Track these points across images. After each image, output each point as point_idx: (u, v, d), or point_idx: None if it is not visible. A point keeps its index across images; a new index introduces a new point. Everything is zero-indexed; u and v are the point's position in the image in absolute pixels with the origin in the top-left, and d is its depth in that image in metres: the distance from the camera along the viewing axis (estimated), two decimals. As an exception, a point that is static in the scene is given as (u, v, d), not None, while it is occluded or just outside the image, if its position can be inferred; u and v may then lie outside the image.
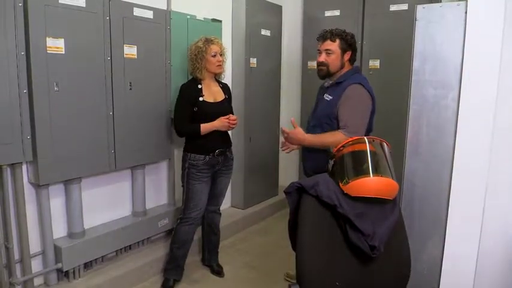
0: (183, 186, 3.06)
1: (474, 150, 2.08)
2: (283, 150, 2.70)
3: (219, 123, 2.94)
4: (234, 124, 2.97)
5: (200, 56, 2.93)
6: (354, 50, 2.57)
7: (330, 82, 2.60)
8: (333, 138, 2.35)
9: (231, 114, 2.98)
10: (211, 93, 3.02)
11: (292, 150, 2.68)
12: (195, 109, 2.93)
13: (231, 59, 4.27)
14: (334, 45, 2.50)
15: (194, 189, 3.00)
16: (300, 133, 2.48)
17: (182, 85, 3.02)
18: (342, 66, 2.54)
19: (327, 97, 2.55)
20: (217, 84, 3.11)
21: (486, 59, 2.00)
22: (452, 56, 2.11)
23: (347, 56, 2.53)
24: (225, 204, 4.33)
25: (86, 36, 2.70)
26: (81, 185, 2.92)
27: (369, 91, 2.45)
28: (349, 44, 2.52)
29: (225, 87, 3.16)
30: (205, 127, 2.91)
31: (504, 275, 2.13)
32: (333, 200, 1.79)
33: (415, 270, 1.92)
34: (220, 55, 2.99)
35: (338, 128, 2.44)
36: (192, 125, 2.93)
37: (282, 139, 2.67)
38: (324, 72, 2.57)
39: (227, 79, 4.09)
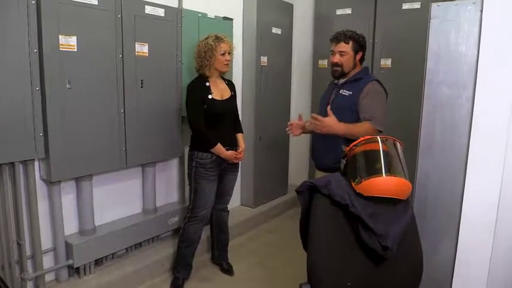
0: (190, 185, 3.07)
1: (488, 151, 2.04)
2: (289, 131, 2.87)
3: (227, 155, 2.99)
4: (240, 158, 3.13)
5: (209, 54, 2.92)
6: (365, 51, 2.73)
7: (344, 79, 2.71)
8: (363, 128, 2.47)
9: (241, 152, 3.13)
10: (218, 91, 3.02)
11: (297, 135, 2.87)
12: (205, 106, 2.93)
13: (241, 57, 4.27)
14: (348, 47, 2.64)
15: (202, 188, 3.00)
16: (333, 121, 2.48)
17: (190, 83, 3.01)
18: (354, 66, 2.69)
19: (345, 92, 2.66)
20: (223, 81, 3.11)
21: (502, 58, 1.96)
22: (467, 55, 2.07)
23: (359, 56, 2.68)
24: (235, 202, 4.34)
25: (98, 34, 2.71)
26: (92, 182, 2.94)
27: (384, 88, 2.65)
28: (360, 45, 2.67)
29: (230, 84, 3.16)
30: (218, 148, 2.94)
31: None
32: (345, 200, 1.78)
33: (427, 271, 1.90)
34: (229, 54, 2.99)
35: (359, 119, 2.57)
36: (210, 135, 2.94)
37: (291, 122, 2.88)
38: (338, 72, 2.69)
39: (237, 77, 4.11)
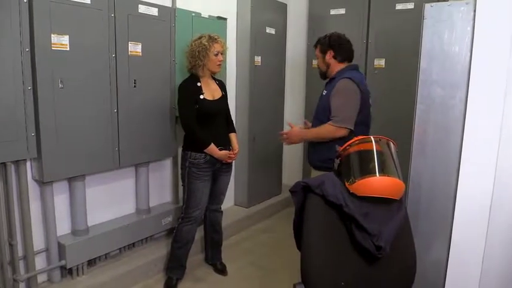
0: (183, 185, 3.05)
1: (481, 151, 2.05)
2: (281, 140, 3.02)
3: (220, 155, 2.98)
4: (234, 158, 3.14)
5: (203, 54, 2.91)
6: (336, 48, 2.74)
7: (327, 80, 2.84)
8: (323, 130, 2.64)
9: (235, 153, 3.13)
10: (210, 91, 3.01)
11: (291, 144, 2.96)
12: (197, 106, 2.92)
13: (235, 57, 4.27)
14: (317, 51, 2.83)
15: (195, 188, 2.99)
16: (296, 131, 2.87)
17: (181, 84, 3.00)
18: (328, 66, 2.78)
19: (324, 92, 2.78)
20: (214, 81, 3.10)
21: (495, 58, 1.97)
22: (460, 56, 2.08)
23: (329, 55, 2.75)
24: (229, 202, 4.34)
25: (90, 33, 2.69)
26: (85, 182, 2.92)
27: (358, 85, 2.62)
28: (328, 44, 2.76)
29: (221, 84, 3.16)
30: (211, 149, 2.93)
31: (510, 276, 2.12)
32: (339, 200, 1.78)
33: (420, 270, 1.90)
34: (221, 54, 2.98)
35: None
36: (203, 135, 2.92)
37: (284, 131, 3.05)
38: (319, 73, 2.89)
39: (231, 77, 4.10)
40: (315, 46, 2.84)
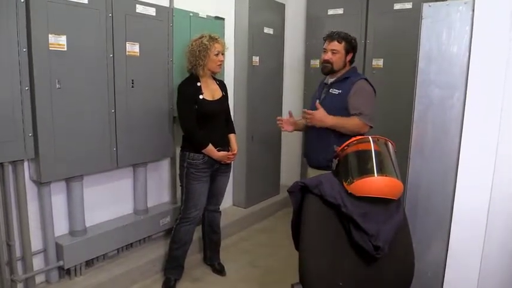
0: (181, 186, 3.05)
1: (480, 151, 2.05)
2: (279, 125, 3.00)
3: (218, 156, 2.98)
4: (232, 159, 3.14)
5: (204, 53, 2.90)
6: (355, 52, 2.84)
7: (334, 79, 2.81)
8: (352, 122, 2.63)
9: (234, 152, 3.13)
10: (209, 91, 3.01)
11: (289, 131, 3.02)
12: (196, 107, 2.91)
13: (233, 57, 4.26)
14: (340, 46, 2.76)
15: (193, 189, 2.99)
16: (322, 113, 2.65)
17: (181, 84, 3.00)
18: (344, 65, 2.80)
19: (335, 91, 2.76)
20: (214, 81, 3.10)
21: (493, 58, 1.98)
22: (459, 55, 2.08)
23: (349, 56, 2.80)
24: (227, 203, 4.33)
25: (88, 33, 2.69)
26: (83, 182, 2.91)
27: (372, 86, 2.75)
28: (352, 46, 2.80)
29: (221, 85, 3.15)
30: (210, 150, 2.93)
31: (509, 277, 2.12)
32: (337, 200, 1.78)
33: (418, 271, 1.90)
34: (222, 54, 2.98)
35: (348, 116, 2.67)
36: (202, 136, 2.92)
37: (283, 117, 3.05)
38: (328, 69, 2.80)
39: (229, 77, 4.10)
40: (338, 41, 2.74)
